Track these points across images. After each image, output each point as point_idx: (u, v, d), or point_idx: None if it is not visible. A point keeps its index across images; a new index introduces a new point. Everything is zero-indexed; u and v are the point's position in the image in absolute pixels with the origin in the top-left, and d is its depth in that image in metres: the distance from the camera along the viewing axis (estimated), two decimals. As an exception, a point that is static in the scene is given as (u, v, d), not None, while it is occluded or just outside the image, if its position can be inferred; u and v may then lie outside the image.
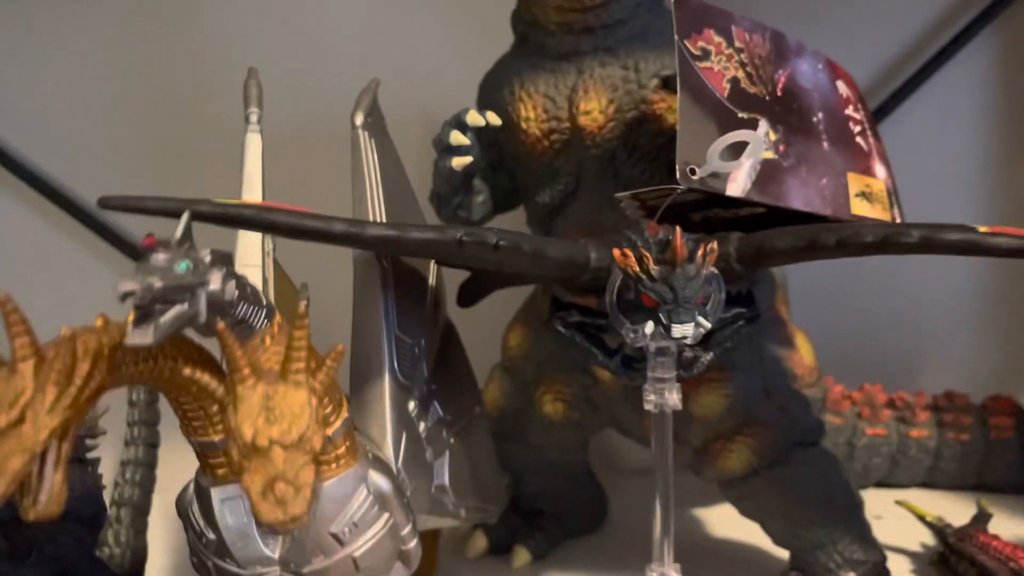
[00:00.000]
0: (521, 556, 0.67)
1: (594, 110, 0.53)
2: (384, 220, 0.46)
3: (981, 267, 0.87)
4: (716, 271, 0.41)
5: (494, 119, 0.53)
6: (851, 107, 0.51)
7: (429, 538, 0.65)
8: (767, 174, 0.45)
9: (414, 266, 0.49)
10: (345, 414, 0.36)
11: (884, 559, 0.55)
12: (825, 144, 0.48)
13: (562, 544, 0.70)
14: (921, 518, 0.67)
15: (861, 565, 0.53)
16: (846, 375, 0.78)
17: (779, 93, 0.47)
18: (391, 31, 0.87)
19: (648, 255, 0.39)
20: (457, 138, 0.51)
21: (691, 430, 0.56)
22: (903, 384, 0.79)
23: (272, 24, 0.87)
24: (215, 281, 0.28)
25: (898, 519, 0.70)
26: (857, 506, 0.56)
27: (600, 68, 0.53)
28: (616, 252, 0.40)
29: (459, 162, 0.51)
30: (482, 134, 0.58)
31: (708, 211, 0.48)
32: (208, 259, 0.28)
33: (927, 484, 0.76)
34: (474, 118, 0.52)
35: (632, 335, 0.40)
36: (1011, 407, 0.75)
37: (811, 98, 0.49)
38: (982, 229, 0.37)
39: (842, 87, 0.51)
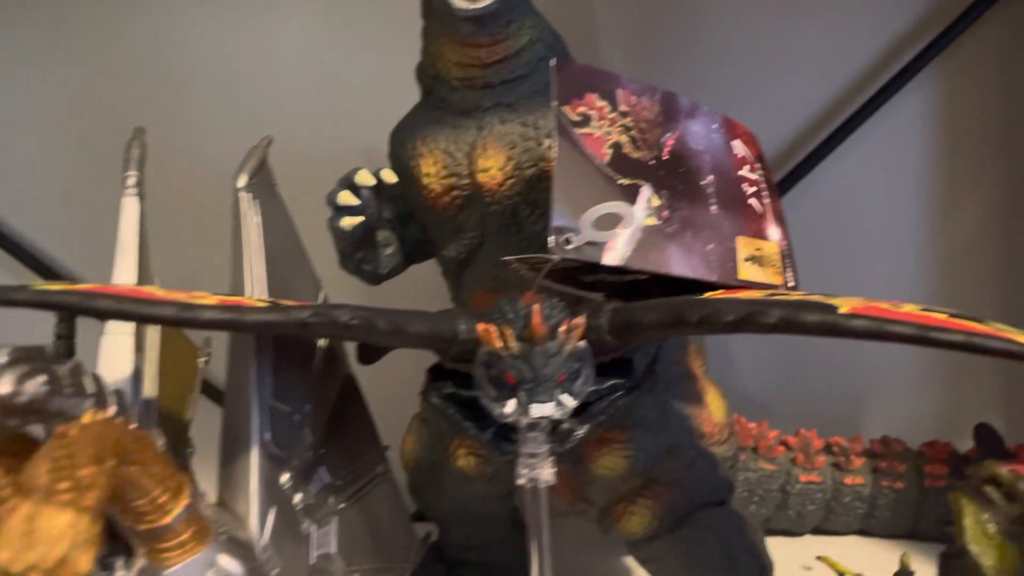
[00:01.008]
0: (439, 609, 0.66)
1: (492, 167, 0.52)
2: (264, 285, 0.45)
3: (935, 300, 0.87)
4: (583, 345, 0.40)
5: (389, 177, 0.53)
6: (747, 167, 0.50)
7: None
8: (649, 241, 0.44)
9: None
10: (186, 500, 0.35)
11: None
12: (714, 208, 0.47)
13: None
14: (841, 574, 0.66)
15: (765, 629, 0.53)
16: (786, 420, 0.78)
17: (666, 157, 0.47)
18: (333, 68, 0.86)
19: (509, 331, 0.38)
20: (345, 198, 0.50)
21: (593, 490, 0.55)
22: (845, 429, 0.78)
23: (196, 74, 0.86)
24: (3, 385, 0.28)
25: (829, 570, 0.69)
26: (763, 568, 0.55)
27: (500, 124, 0.52)
28: (480, 327, 0.39)
29: (348, 222, 0.51)
30: (387, 189, 0.58)
31: (597, 275, 0.48)
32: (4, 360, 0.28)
33: (863, 531, 0.75)
34: (363, 178, 0.51)
35: (498, 411, 0.40)
36: (947, 454, 0.74)
37: (701, 160, 0.48)
38: (842, 310, 0.36)
39: (738, 147, 0.51)
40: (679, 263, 0.45)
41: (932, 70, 0.81)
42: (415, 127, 0.56)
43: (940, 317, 0.37)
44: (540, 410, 0.38)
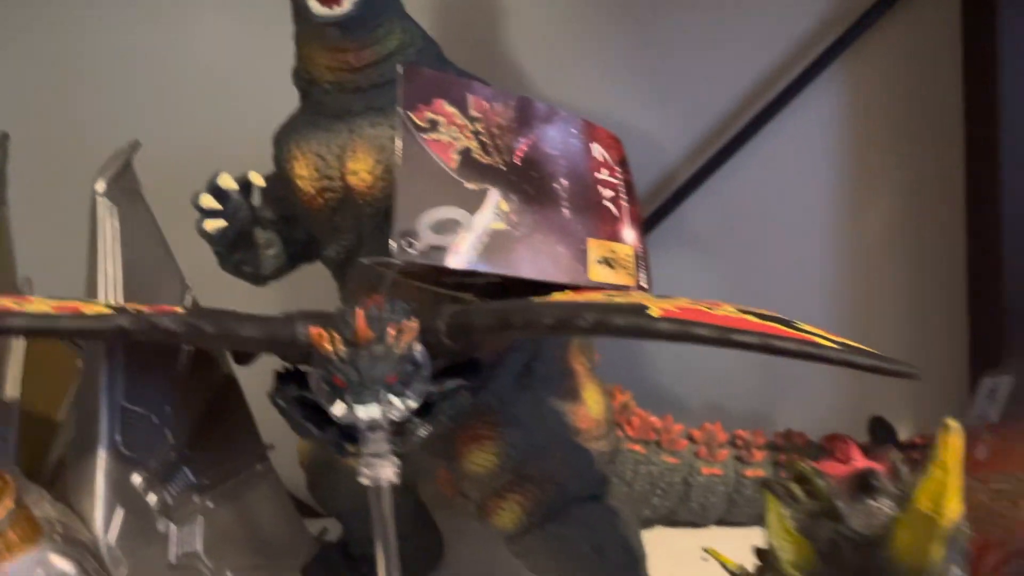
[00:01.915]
0: (336, 601, 0.68)
1: (362, 170, 0.53)
2: (119, 289, 0.46)
3: (838, 305, 0.88)
4: (416, 348, 0.41)
5: (256, 179, 0.54)
6: (605, 171, 0.51)
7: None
8: (497, 244, 0.45)
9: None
10: (10, 505, 0.36)
11: None
12: (566, 211, 0.48)
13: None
14: (724, 565, 0.67)
15: (639, 619, 0.54)
16: (696, 415, 0.79)
17: (517, 162, 0.48)
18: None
19: (336, 335, 0.39)
20: (207, 202, 0.51)
21: (467, 486, 0.57)
22: (757, 424, 0.80)
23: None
24: None
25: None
26: (634, 562, 0.56)
27: (370, 128, 0.53)
28: (312, 330, 0.40)
29: (211, 225, 0.52)
30: (272, 189, 0.59)
31: (466, 277, 0.49)
32: None
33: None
34: (224, 181, 0.52)
35: (332, 412, 0.41)
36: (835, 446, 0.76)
37: (555, 165, 0.49)
38: (652, 313, 0.37)
39: (598, 151, 0.52)
40: (527, 265, 0.46)
41: (837, 69, 0.83)
42: (292, 130, 0.57)
43: (748, 319, 0.38)
44: (366, 412, 0.39)
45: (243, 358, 0.55)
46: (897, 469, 0.36)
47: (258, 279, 0.60)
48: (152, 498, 0.46)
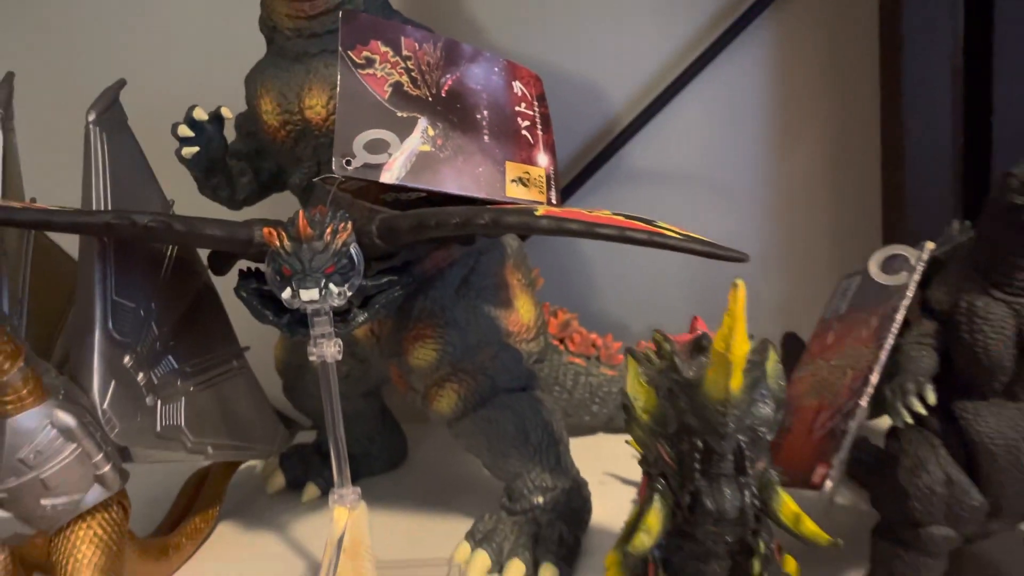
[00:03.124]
0: (310, 491, 0.78)
1: (317, 104, 0.61)
2: (108, 204, 0.55)
3: (769, 235, 0.96)
4: (352, 247, 0.50)
5: (226, 113, 0.63)
6: (524, 104, 0.60)
7: (220, 473, 0.75)
8: (423, 164, 0.54)
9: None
10: (21, 363, 0.45)
11: (575, 486, 0.65)
12: (486, 137, 0.57)
13: (359, 481, 0.80)
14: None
15: (549, 491, 0.63)
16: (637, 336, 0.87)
17: (443, 94, 0.56)
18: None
19: (284, 233, 0.48)
20: (182, 131, 0.60)
21: (413, 378, 0.66)
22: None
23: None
24: None
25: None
26: (554, 442, 0.65)
27: (324, 68, 0.61)
28: (265, 230, 0.49)
29: (187, 151, 0.60)
30: (242, 123, 0.68)
31: (397, 194, 0.58)
32: None
33: None
34: (198, 113, 0.61)
35: (282, 298, 0.50)
36: None
37: (478, 98, 0.57)
38: (538, 212, 0.46)
39: (518, 87, 0.60)
40: (451, 182, 0.55)
41: (766, 20, 0.90)
42: (259, 72, 0.65)
43: (616, 219, 0.47)
44: (308, 295, 0.48)
45: (219, 268, 0.64)
46: (729, 336, 0.44)
47: (234, 203, 0.69)
48: (141, 376, 0.55)
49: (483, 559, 0.61)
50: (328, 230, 0.48)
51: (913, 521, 0.47)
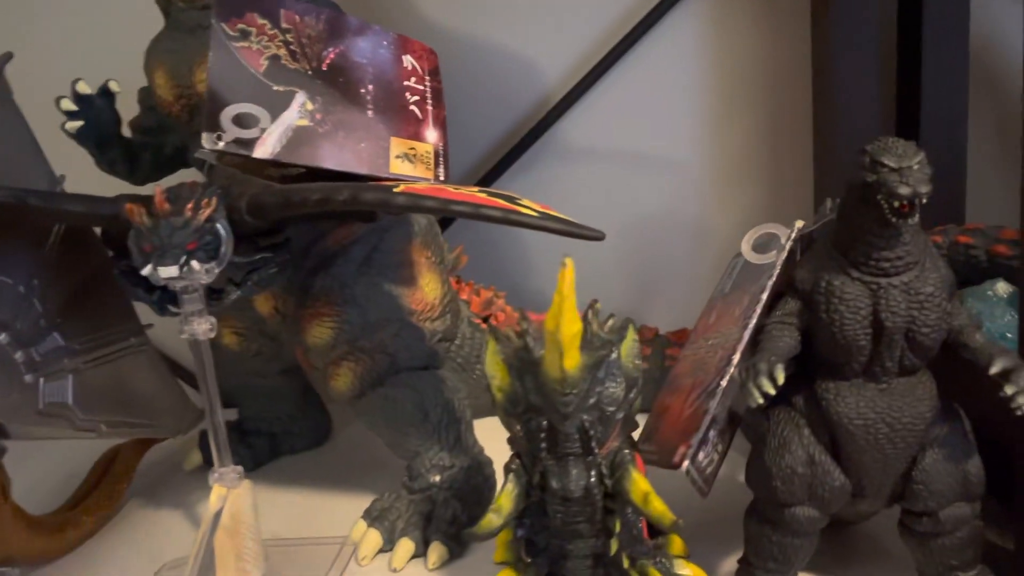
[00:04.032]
0: (225, 469, 0.77)
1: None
2: (-12, 176, 0.54)
3: (704, 207, 0.95)
4: (219, 223, 0.49)
5: (114, 87, 0.62)
6: (414, 79, 0.59)
7: (131, 451, 0.75)
8: (301, 139, 0.53)
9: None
10: None
11: (476, 464, 0.64)
12: (370, 112, 0.56)
13: (281, 459, 0.80)
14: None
15: (447, 469, 0.63)
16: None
17: (325, 68, 0.55)
18: None
19: (144, 209, 0.47)
20: (65, 104, 0.59)
21: (312, 357, 0.65)
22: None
23: None
24: None
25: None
26: (454, 420, 0.65)
27: None
28: (127, 206, 0.48)
29: (71, 125, 0.60)
30: (144, 100, 0.67)
31: (283, 170, 0.57)
32: None
33: None
34: (82, 87, 0.60)
35: (148, 276, 0.49)
36: (685, 338, 0.84)
37: (363, 71, 0.56)
38: (396, 190, 0.45)
39: (409, 61, 0.59)
40: (330, 158, 0.54)
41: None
42: (155, 45, 0.64)
43: (478, 196, 0.46)
44: (166, 271, 0.47)
45: (115, 243, 0.63)
46: (587, 318, 0.44)
47: (133, 179, 0.68)
48: (19, 355, 0.55)
49: (375, 537, 0.61)
50: (189, 206, 0.48)
51: (778, 501, 0.47)
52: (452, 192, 0.46)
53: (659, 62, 0.91)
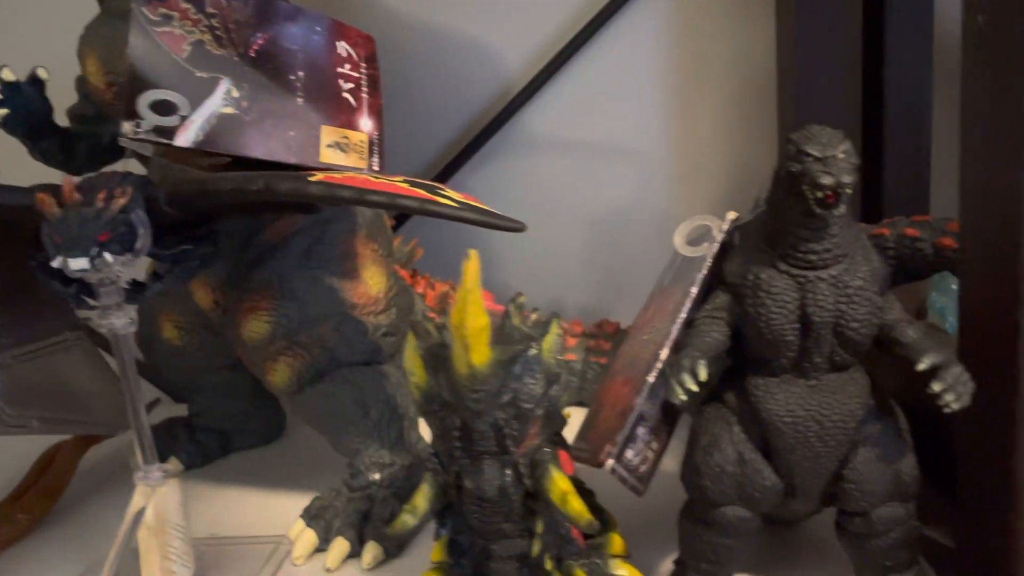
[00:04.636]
0: (171, 466, 0.75)
1: None
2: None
3: (670, 196, 0.94)
4: (134, 213, 0.47)
5: (42, 74, 0.60)
6: (348, 66, 0.57)
7: (72, 448, 0.74)
8: (225, 127, 0.51)
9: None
10: None
11: (419, 462, 0.63)
12: (300, 100, 0.54)
13: (232, 456, 0.79)
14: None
15: (387, 467, 0.62)
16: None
17: (252, 54, 0.53)
18: None
19: (54, 199, 0.46)
20: None
21: (249, 352, 0.64)
22: (595, 317, 0.87)
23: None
24: None
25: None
26: (396, 417, 0.63)
27: None
28: (39, 196, 0.47)
29: None
30: (81, 88, 0.65)
31: (211, 159, 0.55)
32: None
33: (580, 403, 0.84)
34: (6, 74, 0.58)
35: (55, 265, 0.47)
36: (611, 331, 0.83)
37: (293, 58, 0.55)
38: (312, 179, 0.44)
39: (344, 47, 0.57)
40: (256, 147, 0.52)
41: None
42: (88, 31, 0.63)
43: (399, 186, 0.45)
44: (76, 264, 0.46)
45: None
46: (507, 312, 0.42)
47: (70, 169, 0.66)
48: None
49: (310, 536, 0.59)
50: (102, 195, 0.46)
51: (708, 501, 0.45)
52: (371, 181, 0.44)
53: (622, 51, 0.90)
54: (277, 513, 0.68)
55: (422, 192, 0.44)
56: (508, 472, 0.41)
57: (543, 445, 0.43)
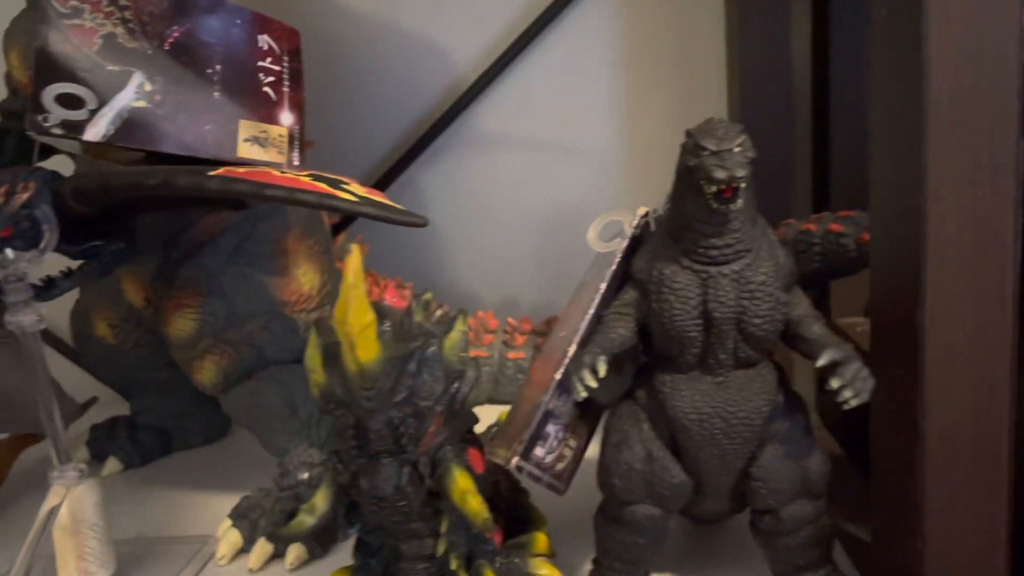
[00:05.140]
0: (110, 465, 0.75)
1: None
2: None
3: (619, 189, 0.93)
4: (39, 209, 0.47)
5: None
6: (269, 59, 0.56)
7: (6, 448, 0.73)
8: (137, 121, 0.51)
9: None
10: None
11: None
12: (217, 94, 0.53)
13: (173, 455, 0.78)
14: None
15: (316, 467, 0.61)
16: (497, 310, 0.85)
17: (167, 47, 0.53)
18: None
19: (-48, 195, 0.45)
20: None
21: (178, 351, 0.63)
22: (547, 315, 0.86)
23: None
24: None
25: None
26: (326, 417, 0.63)
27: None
28: (-60, 192, 0.46)
29: None
30: (9, 81, 0.64)
31: (128, 153, 0.54)
32: None
33: (498, 400, 0.82)
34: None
35: (-34, 263, 0.47)
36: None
37: (211, 51, 0.54)
38: (212, 173, 0.43)
39: (265, 40, 0.56)
40: (170, 141, 0.51)
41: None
42: (12, 25, 0.62)
43: (301, 180, 0.44)
44: (-26, 259, 0.45)
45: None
46: (409, 309, 0.42)
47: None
48: None
49: (234, 536, 0.58)
50: (2, 191, 0.45)
51: (618, 499, 0.45)
52: (272, 175, 0.43)
53: (572, 47, 0.89)
54: (213, 513, 0.67)
55: (323, 186, 0.43)
56: (406, 471, 0.40)
57: (446, 443, 0.42)
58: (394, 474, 0.40)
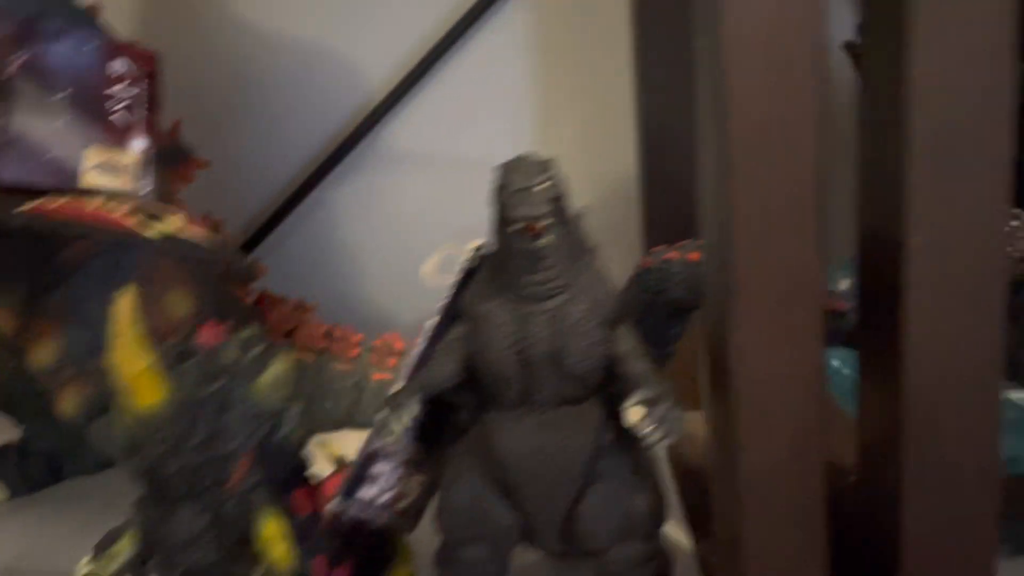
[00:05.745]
0: (-1, 493, 0.73)
1: None
2: None
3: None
4: None
5: None
6: (121, 85, 0.55)
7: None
8: (-27, 150, 0.49)
9: None
10: None
11: None
12: (62, 121, 0.52)
13: (66, 482, 0.76)
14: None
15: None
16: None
17: (10, 75, 0.51)
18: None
19: None
20: None
21: (39, 380, 0.62)
22: None
23: None
24: None
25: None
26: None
27: None
28: None
29: None
30: None
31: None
32: None
33: (357, 424, 0.81)
34: None
35: None
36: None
37: (57, 78, 0.53)
38: (18, 210, 0.42)
39: (120, 66, 0.55)
40: (11, 170, 0.50)
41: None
42: None
43: (109, 216, 0.43)
44: None
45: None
46: (220, 347, 0.41)
47: None
48: None
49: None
50: None
51: (448, 540, 0.44)
52: (82, 211, 0.42)
53: (483, 63, 0.88)
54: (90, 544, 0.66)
55: (133, 221, 0.42)
56: (206, 516, 0.39)
57: (259, 485, 0.41)
58: (191, 519, 0.39)
